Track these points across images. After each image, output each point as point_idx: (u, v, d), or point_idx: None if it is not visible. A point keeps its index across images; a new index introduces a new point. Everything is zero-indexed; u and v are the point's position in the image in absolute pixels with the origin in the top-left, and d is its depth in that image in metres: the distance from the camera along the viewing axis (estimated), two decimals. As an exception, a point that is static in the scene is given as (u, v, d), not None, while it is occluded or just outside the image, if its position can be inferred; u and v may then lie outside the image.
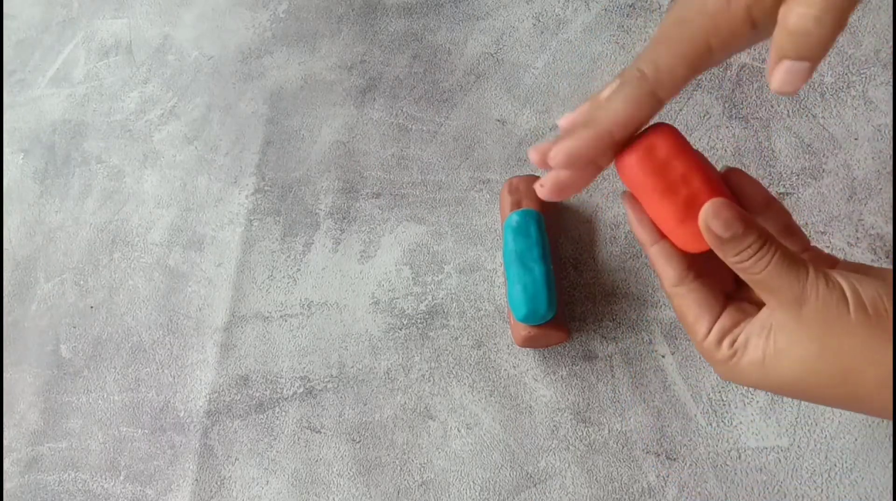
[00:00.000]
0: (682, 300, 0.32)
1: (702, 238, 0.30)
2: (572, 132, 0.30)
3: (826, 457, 0.40)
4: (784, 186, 0.47)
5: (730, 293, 0.32)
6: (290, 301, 0.52)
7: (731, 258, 0.29)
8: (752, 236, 0.29)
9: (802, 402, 0.42)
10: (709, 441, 0.42)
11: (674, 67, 0.29)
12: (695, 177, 0.30)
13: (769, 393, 0.43)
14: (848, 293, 0.28)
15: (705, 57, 0.29)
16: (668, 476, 0.42)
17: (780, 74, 0.27)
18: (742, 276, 0.30)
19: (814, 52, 0.27)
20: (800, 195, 0.47)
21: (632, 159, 0.30)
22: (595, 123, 0.30)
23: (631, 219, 0.33)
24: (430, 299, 0.49)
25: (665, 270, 0.32)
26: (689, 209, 0.30)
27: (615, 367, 0.45)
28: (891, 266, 0.44)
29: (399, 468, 0.45)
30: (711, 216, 0.29)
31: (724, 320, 0.31)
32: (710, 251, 0.31)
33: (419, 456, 0.45)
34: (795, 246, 0.33)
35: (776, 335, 0.29)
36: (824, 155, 0.47)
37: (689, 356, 0.44)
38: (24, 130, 0.64)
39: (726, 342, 0.30)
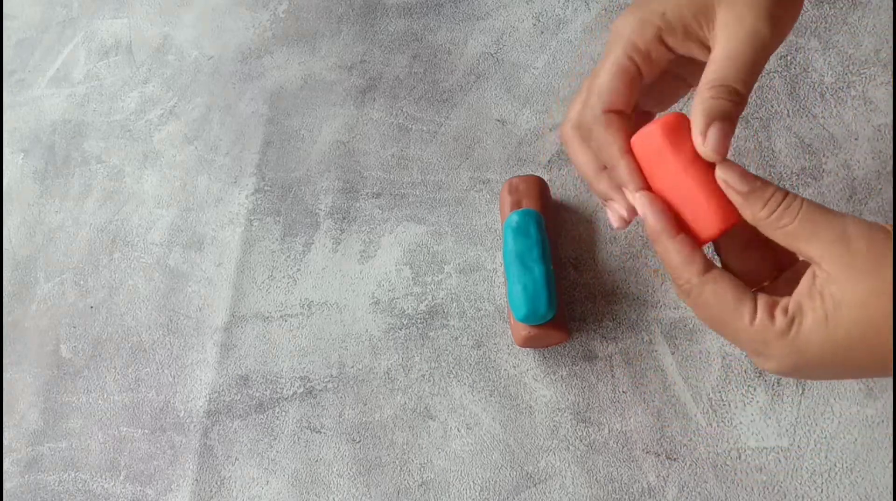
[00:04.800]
0: (718, 286, 0.30)
1: (729, 210, 0.30)
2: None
3: (826, 457, 0.40)
4: (784, 186, 0.47)
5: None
6: (290, 301, 0.52)
7: (760, 213, 0.29)
8: (773, 187, 0.29)
9: (803, 403, 0.42)
10: (709, 441, 0.42)
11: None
12: None
13: (769, 393, 0.43)
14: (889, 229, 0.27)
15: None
16: (668, 476, 0.42)
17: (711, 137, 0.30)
18: (777, 235, 0.29)
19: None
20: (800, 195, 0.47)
21: (656, 130, 0.31)
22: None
23: (650, 211, 0.32)
24: (430, 299, 0.49)
25: (692, 259, 0.31)
26: (714, 183, 0.30)
27: (615, 367, 0.45)
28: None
29: (399, 468, 0.45)
30: (727, 172, 0.30)
31: (764, 298, 0.29)
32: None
33: (419, 456, 0.45)
34: None
35: (829, 287, 0.27)
36: (824, 155, 0.47)
37: (689, 355, 0.44)
38: (24, 130, 0.64)
39: (779, 313, 0.28)
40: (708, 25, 0.32)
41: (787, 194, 0.29)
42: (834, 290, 0.27)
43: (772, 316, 0.28)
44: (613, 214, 0.33)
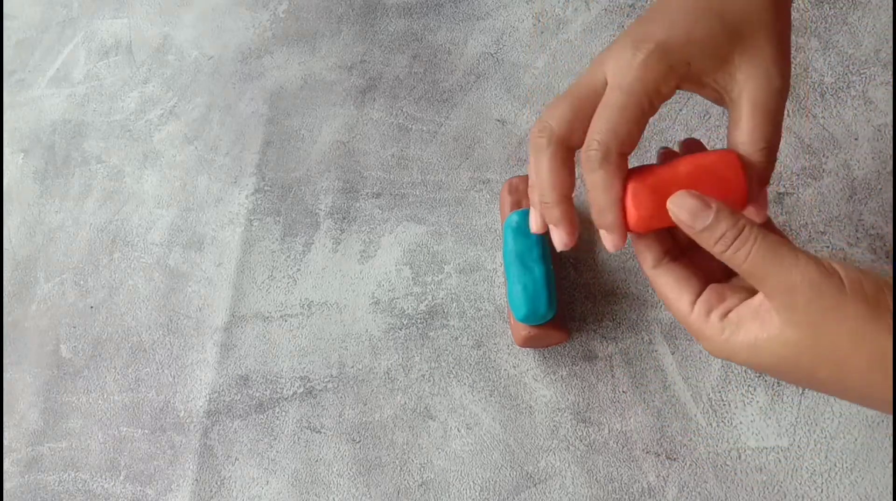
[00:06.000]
0: (661, 279, 0.33)
1: (648, 219, 0.32)
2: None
3: (826, 457, 0.40)
4: (784, 186, 0.47)
5: (718, 280, 0.33)
6: (290, 301, 0.52)
7: (712, 248, 0.30)
8: (726, 223, 0.29)
9: (803, 402, 0.42)
10: (709, 441, 0.42)
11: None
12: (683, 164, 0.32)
13: (769, 393, 0.43)
14: (846, 281, 0.28)
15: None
16: (668, 476, 0.42)
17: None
18: (729, 265, 0.30)
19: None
20: (800, 195, 0.47)
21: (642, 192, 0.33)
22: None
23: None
24: (430, 299, 0.49)
25: (643, 256, 0.33)
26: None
27: (615, 367, 0.45)
28: (891, 266, 0.44)
29: (399, 468, 0.45)
30: (677, 208, 0.30)
31: (708, 295, 0.31)
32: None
33: (419, 456, 0.45)
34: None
35: (769, 319, 0.29)
36: (824, 155, 0.47)
37: (689, 355, 0.44)
38: (24, 130, 0.64)
39: (714, 317, 0.30)
40: (729, 77, 0.33)
41: (741, 230, 0.29)
42: (772, 324, 0.29)
43: (707, 316, 0.31)
44: (560, 237, 0.34)
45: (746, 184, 0.32)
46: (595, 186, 0.32)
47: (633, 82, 0.32)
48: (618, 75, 0.32)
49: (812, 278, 0.28)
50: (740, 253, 0.29)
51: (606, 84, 0.33)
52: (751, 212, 0.32)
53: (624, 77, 0.32)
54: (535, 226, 0.36)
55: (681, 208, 0.30)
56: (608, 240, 0.33)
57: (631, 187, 0.32)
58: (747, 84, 0.32)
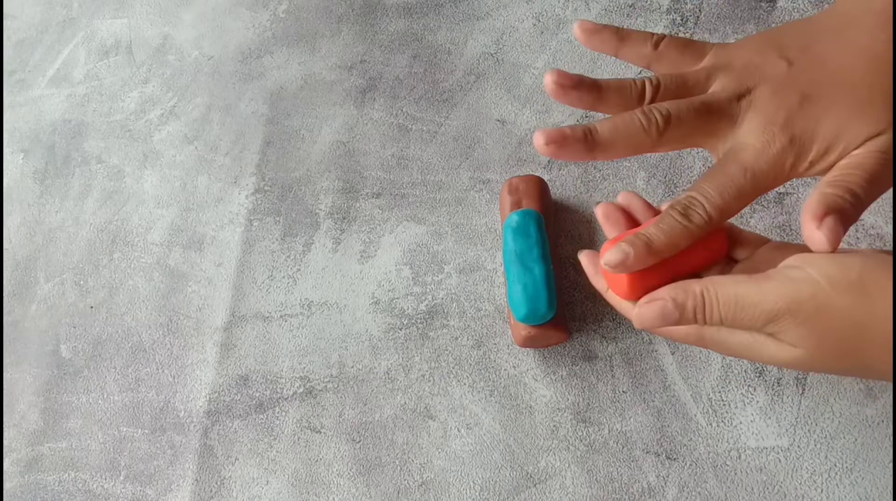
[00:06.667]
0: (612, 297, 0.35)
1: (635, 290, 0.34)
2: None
3: (826, 457, 0.40)
4: (784, 186, 0.47)
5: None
6: (290, 301, 0.52)
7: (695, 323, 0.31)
8: (691, 302, 0.30)
9: (803, 403, 0.42)
10: (709, 441, 0.42)
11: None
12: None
13: (769, 393, 0.43)
14: (823, 282, 0.28)
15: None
16: (668, 476, 0.42)
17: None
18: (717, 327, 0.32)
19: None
20: (800, 195, 0.47)
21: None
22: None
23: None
24: (430, 299, 0.49)
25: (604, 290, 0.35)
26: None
27: (615, 367, 0.45)
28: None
29: (399, 468, 0.45)
30: (647, 321, 0.32)
31: None
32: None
33: (419, 456, 0.45)
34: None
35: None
36: (824, 155, 0.47)
37: (688, 355, 0.44)
38: (24, 130, 0.64)
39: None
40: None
41: (702, 298, 0.30)
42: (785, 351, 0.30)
43: None
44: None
45: (726, 238, 0.34)
46: (673, 234, 0.32)
47: (764, 176, 0.32)
48: (752, 153, 0.32)
49: (789, 298, 0.28)
50: (713, 317, 0.30)
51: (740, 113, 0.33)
52: (810, 233, 0.30)
53: (757, 162, 0.32)
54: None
55: (651, 318, 0.31)
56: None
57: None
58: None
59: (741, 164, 0.32)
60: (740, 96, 0.33)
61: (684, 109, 0.32)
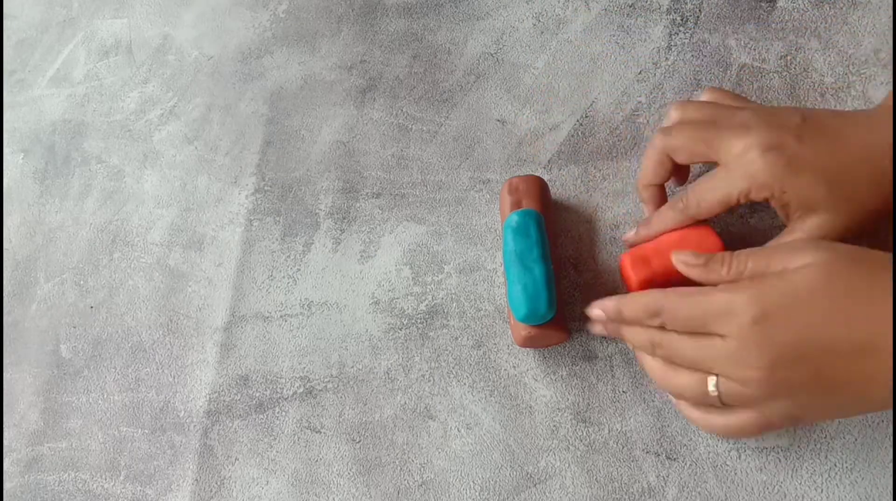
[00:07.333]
0: None
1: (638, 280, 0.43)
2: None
3: (826, 457, 0.40)
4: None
5: None
6: (290, 301, 0.52)
7: (724, 276, 0.37)
8: (718, 257, 0.37)
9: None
10: (709, 441, 0.42)
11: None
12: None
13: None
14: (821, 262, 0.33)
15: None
16: (668, 476, 0.42)
17: None
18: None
19: None
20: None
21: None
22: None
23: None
24: (430, 299, 0.49)
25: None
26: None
27: (615, 367, 0.45)
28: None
29: (399, 468, 0.45)
30: (680, 260, 0.39)
31: None
32: None
33: (419, 456, 0.45)
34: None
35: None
36: (824, 155, 0.47)
37: (689, 356, 0.44)
38: (24, 130, 0.64)
39: None
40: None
41: (731, 255, 0.37)
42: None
43: None
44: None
45: (722, 243, 0.41)
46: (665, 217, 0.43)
47: (742, 182, 0.39)
48: (743, 167, 0.39)
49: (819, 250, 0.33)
50: (747, 266, 0.35)
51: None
52: None
53: (747, 170, 0.38)
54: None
55: (683, 257, 0.38)
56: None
57: (629, 260, 0.42)
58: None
59: (727, 173, 0.40)
60: (748, 127, 0.40)
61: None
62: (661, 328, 0.36)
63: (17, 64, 0.68)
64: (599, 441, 0.43)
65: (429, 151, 0.54)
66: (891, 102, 0.38)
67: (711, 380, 0.34)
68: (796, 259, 0.33)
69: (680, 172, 0.46)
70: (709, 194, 0.40)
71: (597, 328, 0.42)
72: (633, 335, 0.38)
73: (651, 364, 0.38)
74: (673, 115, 0.43)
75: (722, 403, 0.35)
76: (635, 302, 0.38)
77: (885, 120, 0.38)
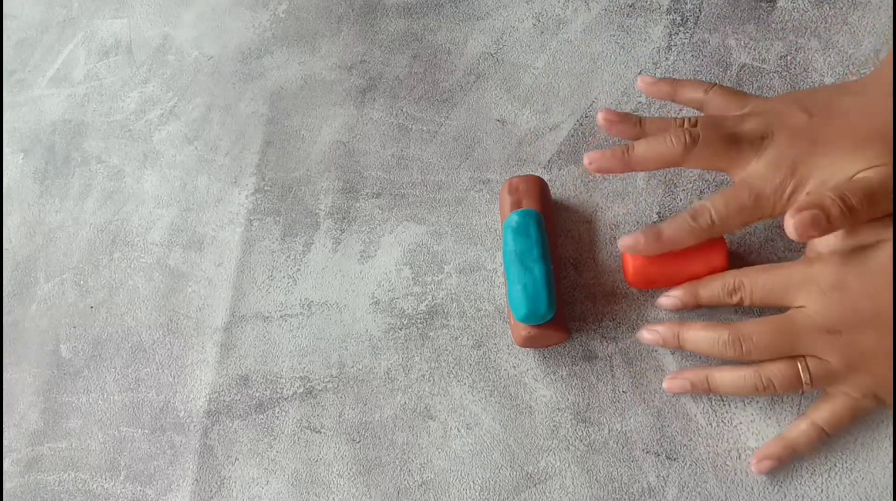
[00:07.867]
0: None
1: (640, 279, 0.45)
2: None
3: (826, 457, 0.40)
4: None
5: None
6: (290, 301, 0.52)
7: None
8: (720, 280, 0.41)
9: (803, 403, 0.42)
10: (709, 441, 0.42)
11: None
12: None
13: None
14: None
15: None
16: (668, 476, 0.42)
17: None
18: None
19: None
20: (800, 195, 0.47)
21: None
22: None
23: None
24: (430, 299, 0.49)
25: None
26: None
27: (615, 367, 0.45)
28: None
29: (399, 468, 0.45)
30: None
31: None
32: None
33: (419, 456, 0.45)
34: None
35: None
36: (824, 155, 0.47)
37: (689, 355, 0.44)
38: (24, 130, 0.64)
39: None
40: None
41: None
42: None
43: None
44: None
45: (727, 255, 0.41)
46: (681, 230, 0.40)
47: (766, 199, 0.38)
48: (760, 180, 0.39)
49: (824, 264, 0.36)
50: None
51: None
52: (789, 227, 0.35)
53: (762, 187, 0.38)
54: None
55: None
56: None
57: (631, 257, 0.42)
58: None
59: (749, 186, 0.39)
60: (763, 136, 0.39)
61: (714, 135, 0.40)
62: (738, 305, 0.39)
63: (17, 64, 0.68)
64: (599, 440, 0.43)
65: (429, 151, 0.54)
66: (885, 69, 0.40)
67: (800, 364, 0.36)
68: (870, 236, 0.35)
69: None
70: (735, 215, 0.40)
71: (648, 336, 0.41)
72: (702, 337, 0.39)
73: (733, 377, 0.39)
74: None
75: (812, 386, 0.37)
76: (711, 281, 0.39)
77: (881, 80, 0.40)
